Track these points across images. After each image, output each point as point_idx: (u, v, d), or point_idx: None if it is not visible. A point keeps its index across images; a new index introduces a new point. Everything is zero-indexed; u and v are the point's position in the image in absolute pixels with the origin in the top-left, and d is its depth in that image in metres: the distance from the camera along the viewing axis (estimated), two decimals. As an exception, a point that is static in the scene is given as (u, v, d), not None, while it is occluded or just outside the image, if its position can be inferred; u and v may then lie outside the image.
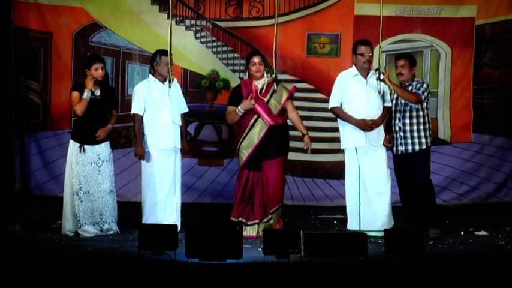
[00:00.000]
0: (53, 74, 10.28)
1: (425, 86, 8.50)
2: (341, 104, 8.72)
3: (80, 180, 8.52)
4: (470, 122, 10.35)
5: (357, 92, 8.66)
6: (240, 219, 8.60)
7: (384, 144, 8.69)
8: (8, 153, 10.07)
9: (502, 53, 10.31)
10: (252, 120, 8.64)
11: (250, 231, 8.57)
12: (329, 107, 8.82)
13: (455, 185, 10.34)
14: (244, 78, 8.81)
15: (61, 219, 8.99)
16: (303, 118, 8.94)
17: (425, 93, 8.46)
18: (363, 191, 8.65)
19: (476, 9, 10.20)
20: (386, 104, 8.69)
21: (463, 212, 10.01)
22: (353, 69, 8.75)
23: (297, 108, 8.99)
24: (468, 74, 10.28)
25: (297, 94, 9.09)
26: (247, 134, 8.65)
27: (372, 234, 8.31)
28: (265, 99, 8.65)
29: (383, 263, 7.05)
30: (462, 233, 8.86)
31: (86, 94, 8.40)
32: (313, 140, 9.23)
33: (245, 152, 8.65)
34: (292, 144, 9.02)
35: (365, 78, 8.69)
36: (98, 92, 8.50)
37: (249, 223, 8.63)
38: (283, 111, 8.72)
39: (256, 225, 8.65)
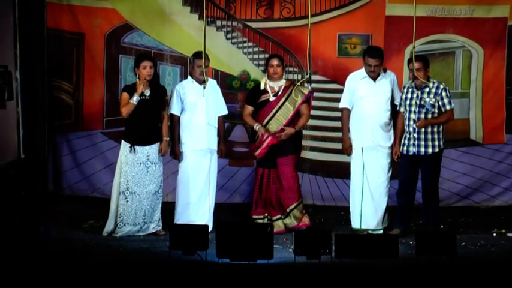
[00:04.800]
0: (86, 74, 10.31)
1: (448, 93, 8.49)
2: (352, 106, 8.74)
3: (128, 180, 8.50)
4: (502, 123, 10.23)
5: (365, 94, 8.65)
6: (265, 215, 8.77)
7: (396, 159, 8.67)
8: (41, 153, 10.15)
9: (535, 54, 10.21)
10: (266, 121, 8.75)
11: (276, 227, 8.61)
12: (339, 106, 8.82)
13: (488, 187, 10.23)
14: (264, 79, 8.83)
15: (93, 219, 9.06)
16: (333, 118, 8.94)
17: (450, 98, 8.50)
18: (366, 190, 8.67)
19: (508, 9, 10.09)
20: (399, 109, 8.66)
21: (495, 213, 9.92)
22: (362, 71, 8.76)
23: (328, 108, 8.95)
24: (501, 75, 10.18)
25: (327, 95, 9.07)
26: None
27: (371, 232, 8.56)
28: (280, 102, 8.72)
29: (414, 265, 7.03)
30: (494, 234, 8.81)
31: (135, 99, 8.40)
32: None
33: (258, 150, 8.76)
34: (324, 145, 8.98)
35: (374, 80, 8.68)
36: (148, 92, 8.49)
37: (273, 218, 8.76)
38: (297, 117, 8.77)
39: (281, 220, 8.74)
